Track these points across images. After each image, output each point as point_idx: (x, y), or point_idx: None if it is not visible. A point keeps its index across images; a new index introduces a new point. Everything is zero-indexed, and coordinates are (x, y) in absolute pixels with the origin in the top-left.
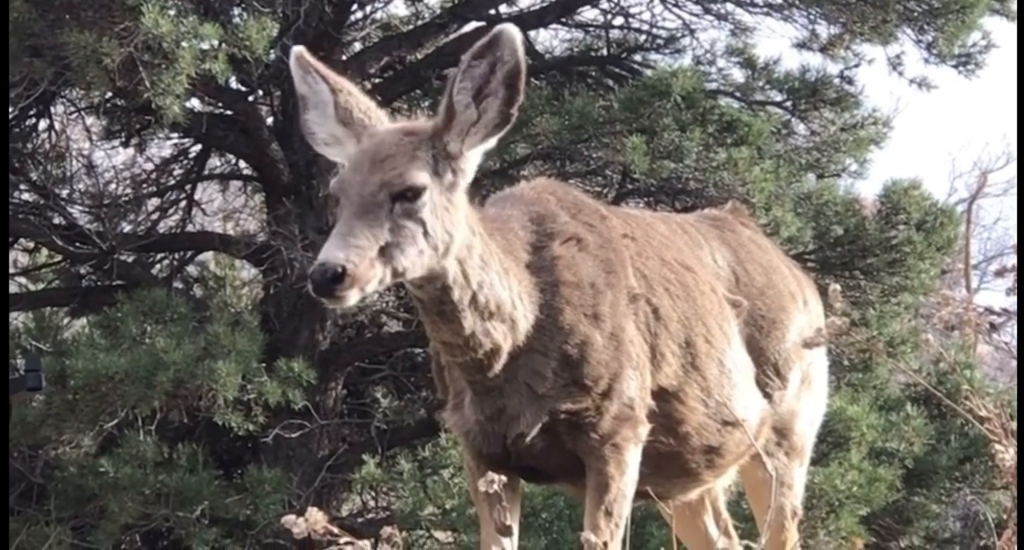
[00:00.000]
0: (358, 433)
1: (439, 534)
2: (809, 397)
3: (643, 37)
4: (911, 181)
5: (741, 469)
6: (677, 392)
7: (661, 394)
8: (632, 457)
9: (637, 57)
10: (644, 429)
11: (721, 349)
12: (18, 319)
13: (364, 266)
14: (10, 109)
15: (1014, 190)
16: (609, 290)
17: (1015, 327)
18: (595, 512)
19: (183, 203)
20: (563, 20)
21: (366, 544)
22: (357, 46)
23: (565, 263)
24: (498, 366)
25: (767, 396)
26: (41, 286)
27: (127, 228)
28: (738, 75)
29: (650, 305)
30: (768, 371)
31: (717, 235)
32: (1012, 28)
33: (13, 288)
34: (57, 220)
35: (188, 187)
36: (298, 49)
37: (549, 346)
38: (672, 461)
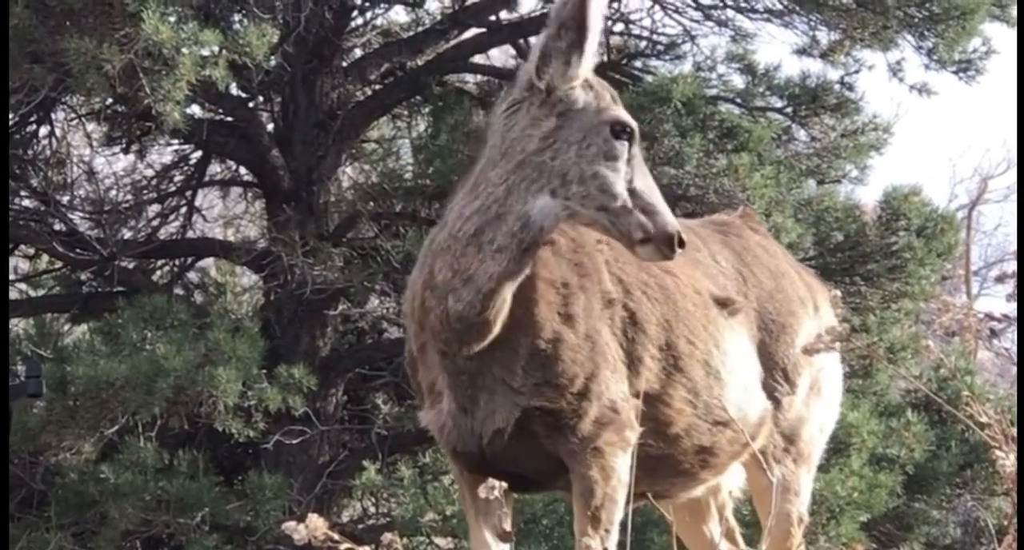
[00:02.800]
0: (359, 439)
1: (439, 540)
2: (819, 403)
3: (643, 43)
4: (911, 187)
5: (748, 475)
6: (661, 395)
7: (645, 398)
8: (618, 462)
9: (637, 63)
10: (632, 434)
11: (706, 350)
12: (19, 325)
13: None
14: (10, 115)
15: (1014, 196)
16: (582, 293)
17: (1015, 333)
18: (582, 519)
19: (183, 209)
20: None
21: None
22: (357, 52)
23: (543, 262)
24: (477, 345)
25: (775, 401)
26: (42, 292)
27: (127, 234)
28: (738, 81)
29: (627, 310)
30: (777, 376)
31: (720, 239)
32: (1012, 34)
33: (13, 294)
34: (58, 226)
35: (188, 193)
36: None
37: (522, 341)
38: (664, 463)
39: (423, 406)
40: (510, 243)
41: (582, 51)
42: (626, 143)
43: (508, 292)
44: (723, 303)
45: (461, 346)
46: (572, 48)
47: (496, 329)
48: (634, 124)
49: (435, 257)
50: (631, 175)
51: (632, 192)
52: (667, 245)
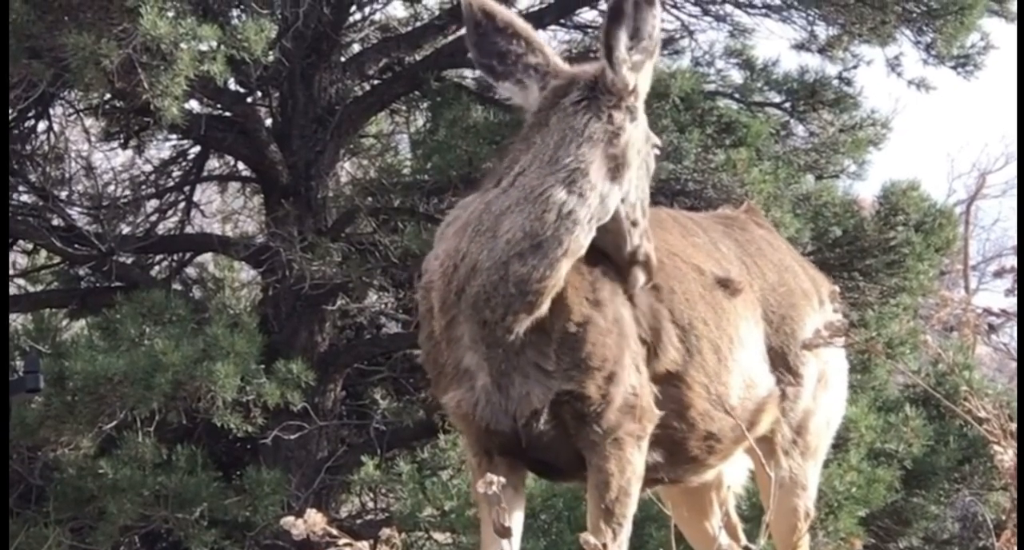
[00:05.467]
0: (357, 434)
1: (438, 535)
2: (826, 397)
3: None
4: (910, 182)
5: (755, 469)
6: (683, 375)
7: (668, 378)
8: (635, 454)
9: None
10: (649, 423)
11: (717, 334)
12: (17, 321)
13: None
14: (9, 110)
15: (1013, 191)
16: (607, 278)
17: (1014, 328)
18: (595, 512)
19: (182, 205)
20: (562, 21)
21: (365, 545)
22: (356, 47)
23: None
24: (523, 317)
25: (781, 393)
26: (40, 287)
27: (126, 229)
28: (737, 76)
29: (652, 289)
30: (780, 367)
31: (723, 231)
32: (1011, 29)
33: (12, 289)
34: (56, 221)
35: (187, 188)
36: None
37: (555, 325)
38: (680, 448)
39: (445, 389)
40: (587, 218)
41: (613, 65)
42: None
43: (565, 269)
44: (725, 283)
45: (507, 315)
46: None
47: (543, 308)
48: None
49: (499, 219)
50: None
51: (645, 214)
52: (650, 269)
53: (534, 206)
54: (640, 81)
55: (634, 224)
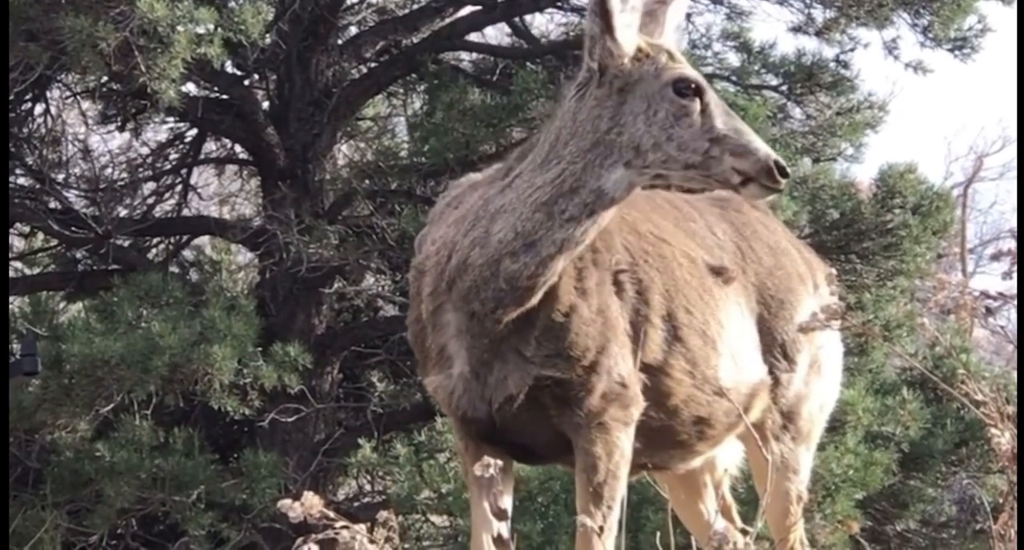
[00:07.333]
0: (354, 417)
1: (435, 518)
2: (818, 381)
3: None
4: (907, 165)
5: (747, 452)
6: (663, 365)
7: (647, 369)
8: (622, 438)
9: None
10: (636, 410)
11: (703, 319)
12: (14, 303)
13: None
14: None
15: (1010, 174)
16: (594, 267)
17: (1011, 311)
18: (584, 495)
19: (179, 187)
20: (558, 4)
21: (362, 528)
22: (353, 30)
23: None
24: (513, 310)
25: (774, 378)
26: (37, 270)
27: (123, 212)
28: (734, 59)
29: (634, 280)
30: (776, 352)
31: (719, 213)
32: (1008, 12)
33: (9, 272)
34: (53, 204)
35: (184, 171)
36: None
37: (539, 313)
38: (663, 435)
39: (427, 372)
40: (581, 213)
41: (612, 33)
42: (694, 98)
43: (561, 264)
44: (717, 271)
45: (496, 308)
46: (604, 32)
47: (535, 300)
48: (697, 76)
49: (493, 218)
50: (710, 124)
51: (715, 140)
52: (769, 178)
53: (525, 207)
54: (621, 41)
55: (691, 166)
